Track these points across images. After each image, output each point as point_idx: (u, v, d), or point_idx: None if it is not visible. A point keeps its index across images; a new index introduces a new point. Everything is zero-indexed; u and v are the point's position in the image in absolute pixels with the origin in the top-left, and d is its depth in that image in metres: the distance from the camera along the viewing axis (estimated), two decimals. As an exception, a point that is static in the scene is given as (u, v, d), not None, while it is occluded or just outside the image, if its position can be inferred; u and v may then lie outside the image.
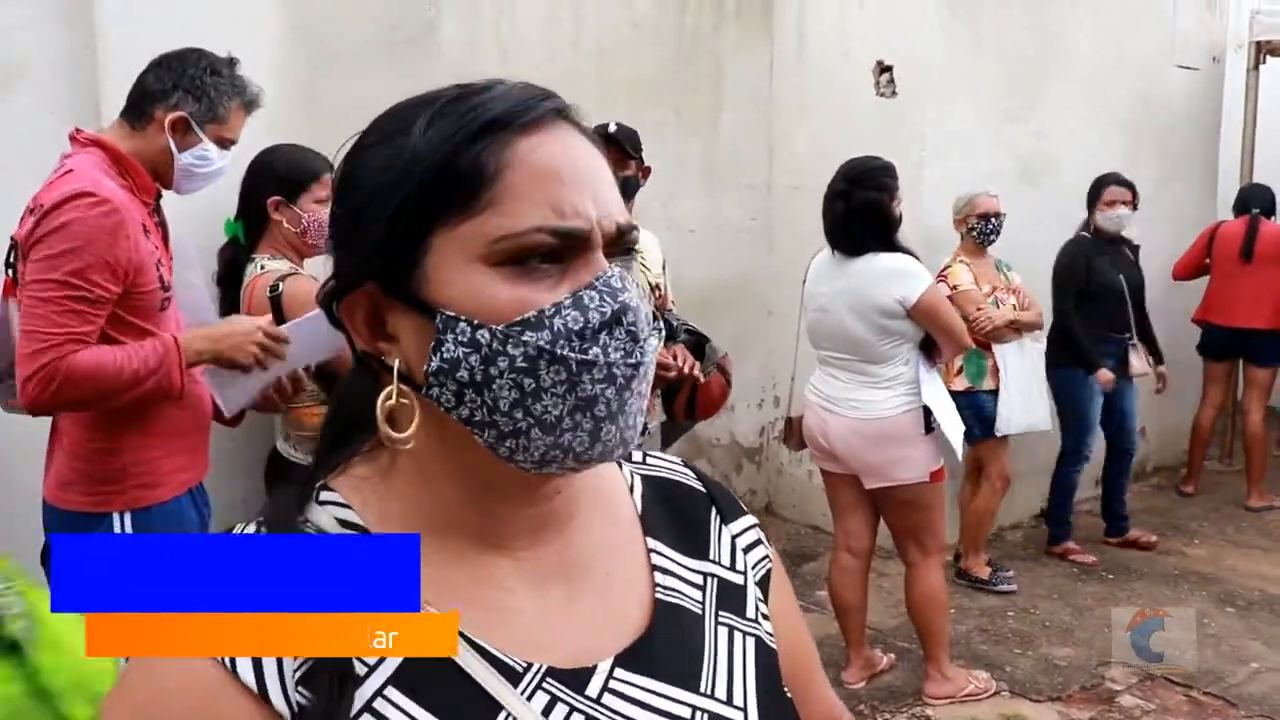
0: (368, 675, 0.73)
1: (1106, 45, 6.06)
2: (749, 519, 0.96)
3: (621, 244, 0.78)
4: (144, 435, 2.32)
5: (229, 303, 2.85)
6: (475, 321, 0.72)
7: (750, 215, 4.37)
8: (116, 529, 2.31)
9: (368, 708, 0.72)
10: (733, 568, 0.92)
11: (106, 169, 2.27)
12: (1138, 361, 5.24)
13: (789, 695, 0.90)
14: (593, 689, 0.78)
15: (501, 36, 3.54)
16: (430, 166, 0.73)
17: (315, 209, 2.79)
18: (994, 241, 4.68)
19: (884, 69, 4.89)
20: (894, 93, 4.93)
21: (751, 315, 4.68)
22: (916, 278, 3.54)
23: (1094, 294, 5.12)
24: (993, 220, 4.63)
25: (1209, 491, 6.46)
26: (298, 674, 0.71)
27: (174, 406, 2.34)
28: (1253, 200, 6.12)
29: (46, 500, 2.38)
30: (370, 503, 0.79)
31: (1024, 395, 4.74)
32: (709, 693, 0.83)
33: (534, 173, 0.73)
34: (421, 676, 0.74)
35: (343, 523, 0.78)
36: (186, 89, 2.35)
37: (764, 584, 0.94)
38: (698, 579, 0.89)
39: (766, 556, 0.95)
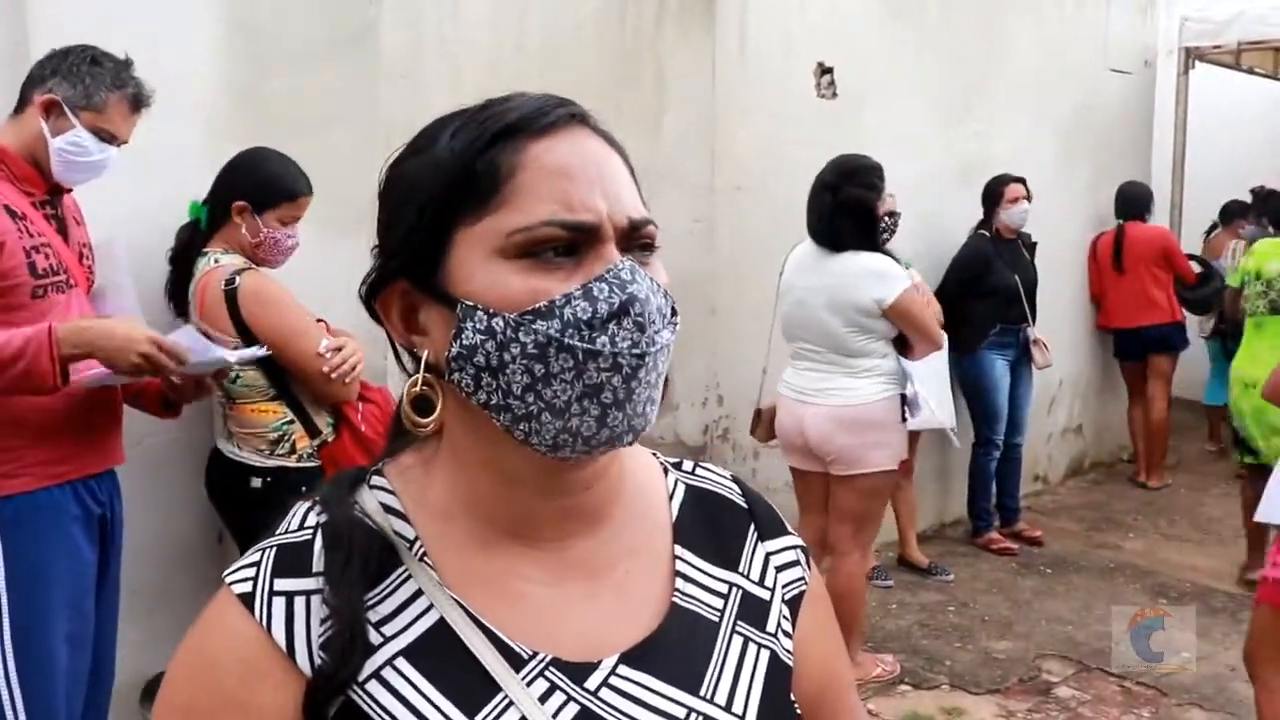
0: (381, 645, 0.79)
1: (1044, 49, 6.17)
2: (791, 539, 0.98)
3: (636, 238, 0.81)
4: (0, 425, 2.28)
5: (177, 285, 2.79)
6: (491, 310, 0.77)
7: (693, 216, 4.38)
8: None
9: (376, 674, 0.78)
10: (761, 583, 0.94)
11: None
12: (1040, 355, 5.46)
13: (799, 711, 0.92)
14: (592, 682, 0.81)
15: (445, 38, 3.53)
16: (452, 170, 0.79)
17: (277, 227, 2.74)
18: (888, 240, 4.75)
19: (825, 70, 4.94)
20: (835, 94, 4.99)
21: (695, 315, 4.70)
22: (894, 279, 3.60)
23: (991, 291, 5.29)
24: (885, 220, 4.69)
25: (1136, 486, 6.65)
26: (319, 639, 0.78)
27: (42, 397, 2.30)
28: (1127, 205, 6.45)
29: None
30: (410, 490, 0.86)
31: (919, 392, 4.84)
32: (709, 697, 0.85)
33: (545, 171, 0.78)
34: (431, 652, 0.79)
35: (385, 507, 0.85)
36: (63, 75, 2.35)
37: (795, 604, 0.95)
38: (721, 588, 0.91)
39: (802, 579, 0.97)
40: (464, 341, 0.78)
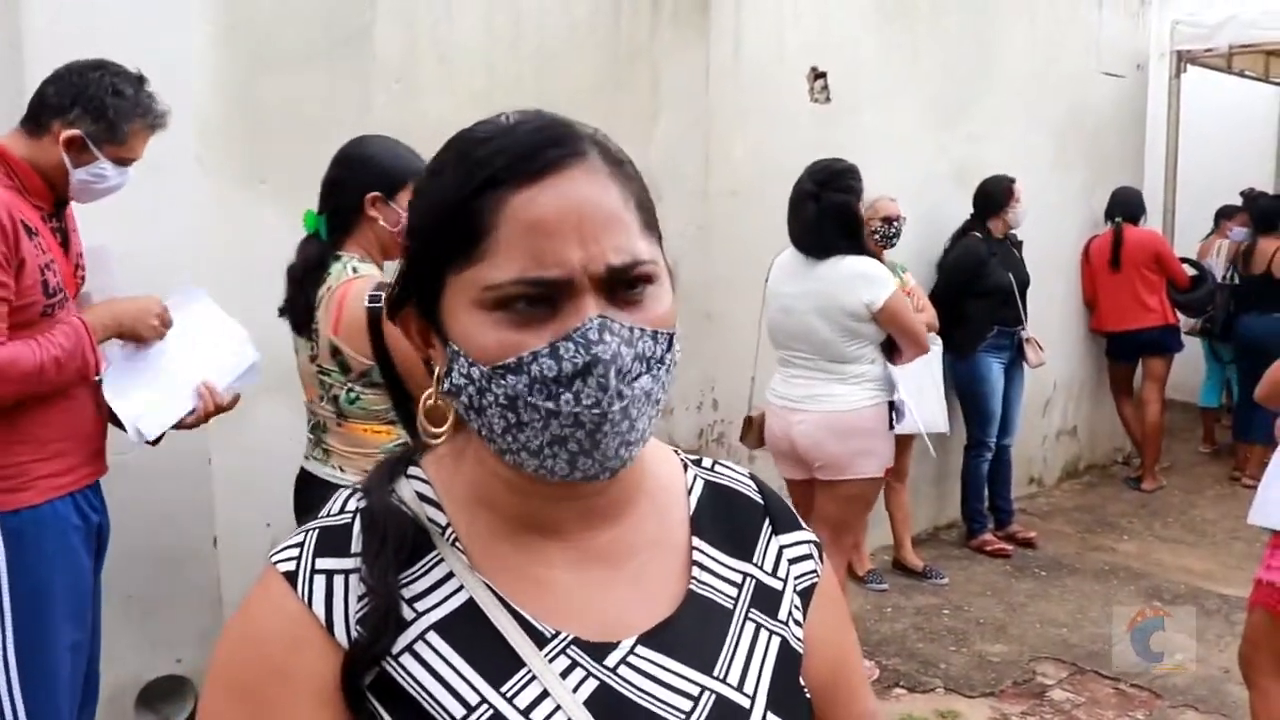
0: (414, 620, 0.84)
1: (1036, 52, 6.19)
2: (804, 534, 1.03)
3: (623, 279, 0.81)
4: (7, 440, 2.28)
5: (297, 302, 2.53)
6: (470, 359, 0.82)
7: (687, 220, 4.38)
8: None
9: (409, 648, 0.83)
10: (774, 574, 0.98)
11: None
12: (1033, 354, 5.49)
13: (808, 696, 0.96)
14: (611, 660, 0.86)
15: (439, 40, 3.53)
16: (442, 215, 0.83)
17: None
18: (894, 244, 4.78)
19: (819, 75, 4.95)
20: (828, 99, 4.99)
21: (690, 320, 4.71)
22: (882, 282, 3.60)
23: (987, 292, 5.32)
24: (894, 224, 4.73)
25: (1131, 488, 6.66)
26: (356, 615, 0.83)
27: (45, 411, 2.32)
28: (1118, 208, 6.47)
29: None
30: (443, 480, 0.91)
31: (916, 396, 4.85)
32: (721, 677, 0.89)
33: (521, 226, 0.79)
34: (461, 628, 0.84)
35: (420, 495, 0.90)
36: (85, 107, 2.31)
37: (806, 595, 1.00)
38: (736, 577, 0.96)
39: (814, 571, 1.01)
40: (453, 380, 0.84)
